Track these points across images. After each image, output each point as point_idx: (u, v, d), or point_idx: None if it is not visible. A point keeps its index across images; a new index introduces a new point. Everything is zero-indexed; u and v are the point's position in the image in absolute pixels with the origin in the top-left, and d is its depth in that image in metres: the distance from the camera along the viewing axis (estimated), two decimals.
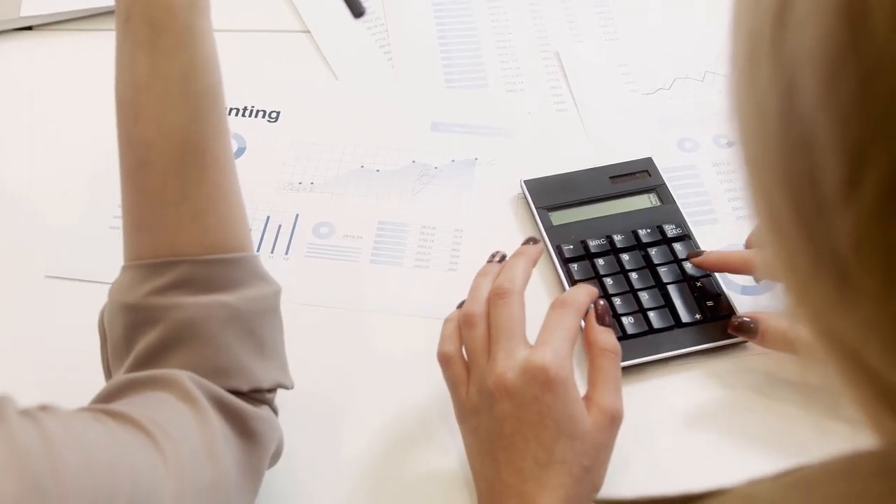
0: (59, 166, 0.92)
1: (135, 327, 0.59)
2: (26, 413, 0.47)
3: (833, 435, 0.71)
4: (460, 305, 0.71)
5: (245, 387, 0.59)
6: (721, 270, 0.78)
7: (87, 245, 0.85)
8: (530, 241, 0.73)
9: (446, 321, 0.70)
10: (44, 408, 0.49)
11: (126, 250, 0.62)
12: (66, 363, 0.77)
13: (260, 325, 0.61)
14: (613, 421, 0.64)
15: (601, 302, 0.69)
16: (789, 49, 0.27)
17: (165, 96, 0.59)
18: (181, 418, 0.54)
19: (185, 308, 0.58)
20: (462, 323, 0.68)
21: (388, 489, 0.70)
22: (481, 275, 0.71)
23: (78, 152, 0.93)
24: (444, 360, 0.68)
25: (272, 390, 0.62)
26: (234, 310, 0.59)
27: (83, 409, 0.53)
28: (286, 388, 0.63)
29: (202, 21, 0.60)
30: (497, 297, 0.67)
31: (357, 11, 0.78)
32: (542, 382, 0.62)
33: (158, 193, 0.59)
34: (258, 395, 0.61)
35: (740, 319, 0.73)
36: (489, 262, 0.73)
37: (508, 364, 0.63)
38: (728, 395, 0.74)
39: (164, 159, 0.59)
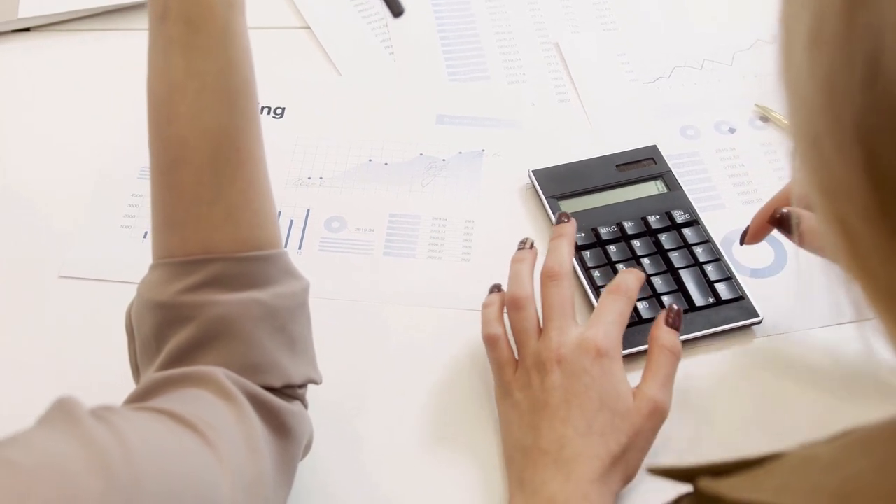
0: (64, 167, 0.92)
1: (167, 325, 0.59)
2: (96, 415, 0.48)
3: (845, 411, 0.73)
4: (493, 290, 0.74)
5: (278, 383, 0.60)
6: (767, 226, 0.74)
7: (100, 244, 0.85)
8: (562, 218, 0.76)
9: (485, 305, 0.73)
10: (107, 408, 0.49)
11: (156, 248, 0.61)
12: (83, 362, 0.77)
13: (291, 322, 0.61)
14: (655, 411, 0.66)
15: (675, 306, 0.71)
16: (870, 20, 0.28)
17: (202, 95, 0.59)
18: (221, 415, 0.55)
19: (219, 305, 0.58)
20: (510, 306, 0.71)
21: (411, 478, 0.71)
22: (517, 261, 0.74)
23: (83, 152, 0.93)
24: (492, 341, 0.71)
25: (303, 386, 0.63)
26: (267, 307, 0.59)
27: (140, 409, 0.53)
28: (316, 383, 0.64)
29: (239, 19, 0.60)
30: (549, 279, 0.71)
31: (396, 11, 0.78)
32: (593, 356, 0.66)
33: (192, 191, 0.59)
34: (290, 391, 0.61)
35: (782, 212, 0.72)
36: (521, 249, 0.75)
37: (562, 339, 0.68)
38: (743, 376, 0.76)
39: (198, 157, 0.59)
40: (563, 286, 0.71)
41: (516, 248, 0.76)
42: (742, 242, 0.78)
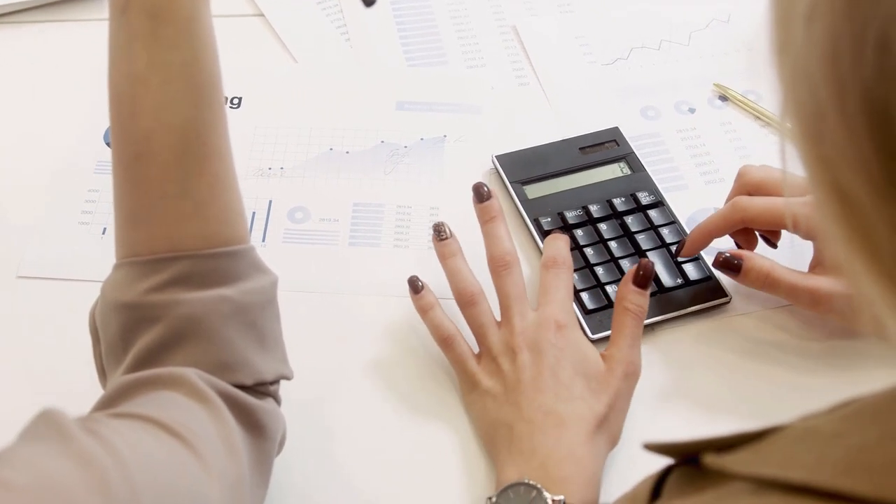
0: (19, 163, 0.89)
1: (133, 326, 0.57)
2: (85, 428, 0.47)
3: (813, 386, 0.74)
4: (416, 287, 0.74)
5: (249, 381, 0.59)
6: (709, 242, 0.77)
7: (57, 243, 0.83)
8: (482, 192, 0.76)
9: (425, 310, 0.73)
10: (92, 419, 0.48)
11: (120, 246, 0.60)
12: (45, 364, 0.75)
13: (261, 318, 0.60)
14: (627, 372, 0.68)
15: (647, 263, 0.71)
16: (881, 9, 0.28)
17: (166, 88, 0.57)
18: (198, 418, 0.54)
19: (187, 304, 0.57)
20: (463, 304, 0.72)
21: (386, 469, 0.70)
22: (448, 256, 0.74)
23: (36, 148, 0.91)
24: (448, 342, 0.72)
25: (275, 382, 0.62)
26: (236, 304, 0.58)
27: (120, 416, 0.51)
28: (287, 378, 0.63)
29: (204, 11, 0.59)
30: (502, 269, 0.72)
31: (368, 0, 0.75)
32: (554, 329, 0.69)
33: (157, 186, 0.58)
34: (262, 388, 0.60)
35: (725, 256, 0.74)
36: (442, 240, 0.75)
37: (524, 323, 0.70)
38: (712, 355, 0.76)
39: (164, 151, 0.57)
40: (515, 273, 0.72)
41: (433, 236, 0.75)
42: (676, 255, 0.79)
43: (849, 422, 0.36)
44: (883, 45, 0.28)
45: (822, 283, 0.72)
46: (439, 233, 0.75)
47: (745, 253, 0.74)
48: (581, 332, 0.71)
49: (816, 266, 0.74)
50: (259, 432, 0.58)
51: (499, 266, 0.72)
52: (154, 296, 0.57)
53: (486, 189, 0.76)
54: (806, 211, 0.71)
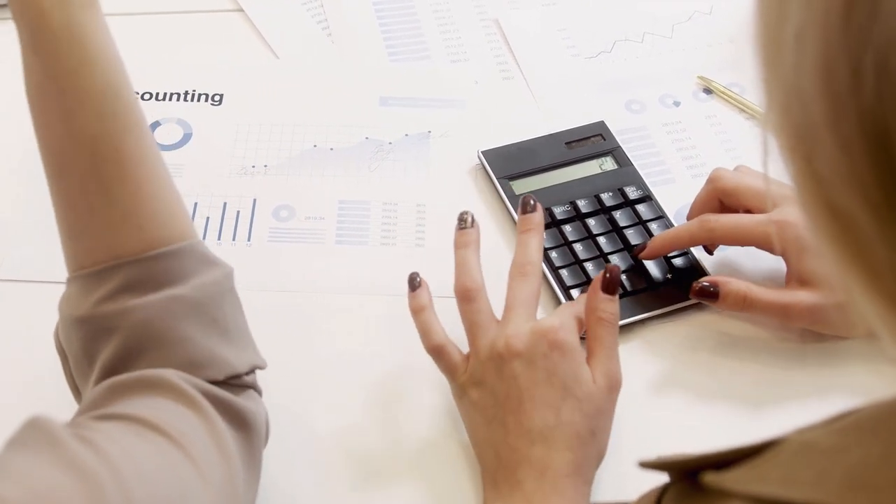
0: None
1: (92, 339, 0.57)
2: (77, 436, 0.46)
3: (802, 381, 0.74)
4: (414, 284, 0.71)
5: (220, 375, 0.58)
6: (670, 252, 0.78)
7: (38, 244, 0.81)
8: (528, 207, 0.72)
9: (417, 311, 0.70)
10: (82, 426, 0.47)
11: (67, 261, 0.60)
12: (28, 368, 0.74)
13: (219, 311, 0.59)
14: (611, 387, 0.66)
15: (612, 268, 0.68)
16: (879, 34, 0.27)
17: (64, 98, 0.56)
18: (187, 420, 0.53)
19: (138, 310, 0.56)
20: (460, 298, 0.69)
21: (369, 467, 0.69)
22: (462, 246, 0.71)
23: (12, 148, 0.89)
24: (438, 351, 0.68)
25: (250, 373, 0.61)
26: (189, 301, 0.57)
27: (108, 418, 0.51)
28: (260, 368, 0.62)
29: (83, 16, 0.56)
30: (520, 275, 0.69)
31: None
32: (550, 341, 0.65)
33: (81, 199, 0.57)
34: (236, 381, 0.59)
35: (701, 285, 0.73)
36: (462, 228, 0.72)
37: (518, 329, 0.66)
38: (702, 349, 0.76)
39: (78, 164, 0.57)
40: (532, 282, 0.69)
41: (456, 224, 0.73)
42: (635, 255, 0.78)
43: (847, 435, 0.35)
44: (882, 70, 0.27)
45: (804, 296, 0.71)
46: (462, 221, 0.72)
47: (720, 279, 0.73)
48: (580, 351, 0.66)
49: (792, 281, 0.73)
50: (246, 428, 0.58)
51: (518, 272, 0.69)
52: (105, 306, 0.57)
53: (533, 202, 0.73)
54: (776, 229, 0.70)
